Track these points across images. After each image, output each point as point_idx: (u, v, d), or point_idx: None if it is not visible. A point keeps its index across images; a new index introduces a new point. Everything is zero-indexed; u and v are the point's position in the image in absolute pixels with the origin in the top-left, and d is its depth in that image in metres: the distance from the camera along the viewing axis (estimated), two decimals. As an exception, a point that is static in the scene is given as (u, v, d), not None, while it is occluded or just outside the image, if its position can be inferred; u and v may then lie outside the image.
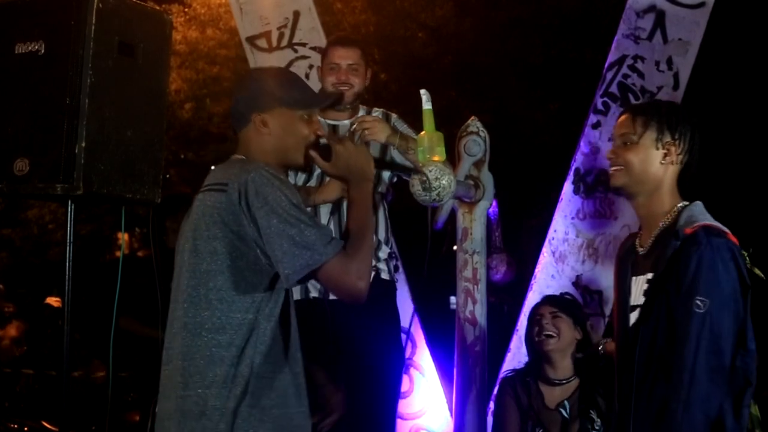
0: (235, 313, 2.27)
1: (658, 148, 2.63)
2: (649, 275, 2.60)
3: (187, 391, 2.28)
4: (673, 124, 2.64)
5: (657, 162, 2.63)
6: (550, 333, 3.82)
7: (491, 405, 4.75)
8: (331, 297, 3.76)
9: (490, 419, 4.36)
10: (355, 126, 3.63)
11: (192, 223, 2.36)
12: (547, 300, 4.04)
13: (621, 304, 2.71)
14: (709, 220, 2.56)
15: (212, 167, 2.56)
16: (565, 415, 3.77)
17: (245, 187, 2.25)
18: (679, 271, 2.48)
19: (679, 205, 2.64)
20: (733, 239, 2.53)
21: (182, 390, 2.29)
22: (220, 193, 2.29)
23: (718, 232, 2.52)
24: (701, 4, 4.94)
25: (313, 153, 2.47)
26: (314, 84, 5.05)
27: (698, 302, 2.42)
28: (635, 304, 2.64)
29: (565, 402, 3.79)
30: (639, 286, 2.64)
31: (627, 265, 2.72)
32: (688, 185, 2.69)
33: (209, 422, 2.24)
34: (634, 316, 2.64)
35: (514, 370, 4.06)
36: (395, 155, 3.89)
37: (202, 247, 2.31)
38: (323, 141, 2.50)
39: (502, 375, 4.14)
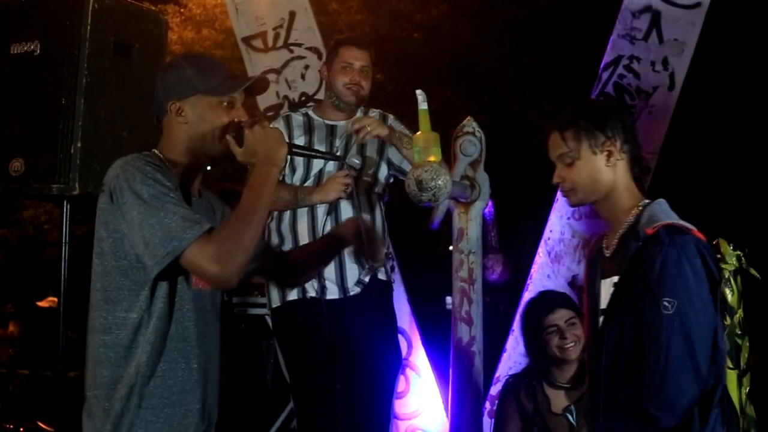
0: (120, 313, 2.25)
1: (596, 153, 2.52)
2: (615, 278, 2.50)
3: (88, 392, 2.29)
4: (600, 123, 2.52)
5: (603, 167, 2.52)
6: (573, 342, 3.71)
7: (487, 405, 4.76)
8: (328, 297, 3.76)
9: (486, 419, 4.36)
10: (355, 127, 3.63)
11: (96, 224, 2.35)
12: (558, 304, 3.85)
13: (591, 307, 2.63)
14: (671, 219, 2.45)
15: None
16: (572, 420, 3.66)
17: (113, 184, 2.24)
18: (643, 272, 2.38)
19: (640, 204, 2.53)
20: (699, 236, 2.43)
21: (87, 390, 2.30)
22: (103, 194, 2.28)
23: (681, 230, 2.40)
24: (697, 5, 4.94)
25: (228, 137, 2.36)
26: (311, 83, 5.07)
27: (666, 303, 2.33)
28: (604, 307, 2.55)
29: (572, 407, 3.68)
30: (607, 289, 2.54)
31: (596, 267, 2.63)
32: (639, 174, 2.59)
33: (98, 423, 2.25)
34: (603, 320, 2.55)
35: (515, 376, 3.96)
36: (392, 155, 3.89)
37: (95, 248, 2.31)
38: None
39: (504, 379, 4.05)
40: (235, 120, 2.37)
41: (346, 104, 3.84)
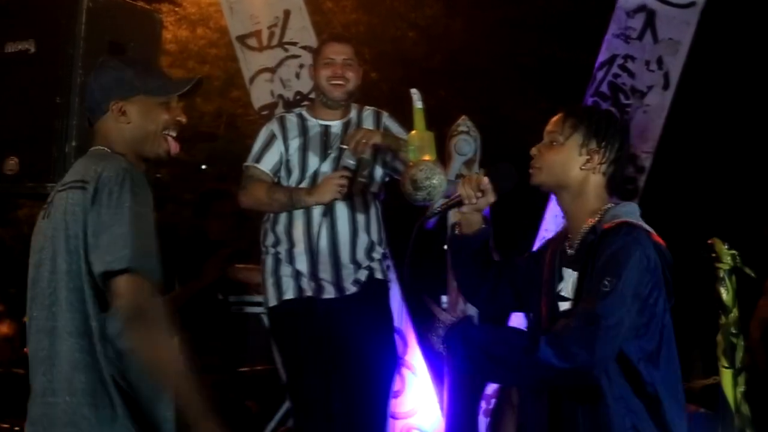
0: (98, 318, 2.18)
1: (581, 154, 2.55)
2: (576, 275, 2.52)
3: (55, 398, 2.19)
4: (601, 132, 2.56)
5: (577, 167, 2.55)
6: None
7: (482, 404, 4.76)
8: (324, 296, 3.76)
9: (481, 418, 4.37)
10: (351, 146, 3.63)
11: (56, 221, 2.26)
12: None
13: (549, 292, 2.60)
14: (633, 219, 2.45)
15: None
16: None
17: (99, 185, 2.20)
18: (593, 261, 2.40)
19: (607, 206, 2.54)
20: (658, 239, 2.43)
21: (51, 396, 2.20)
22: (81, 191, 2.22)
23: (639, 228, 2.42)
24: (692, 4, 4.96)
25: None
26: (306, 82, 5.07)
27: (606, 282, 2.32)
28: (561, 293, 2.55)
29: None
30: (567, 280, 2.54)
31: (557, 256, 2.62)
32: (634, 173, 2.60)
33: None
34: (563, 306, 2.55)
35: None
36: (386, 155, 3.89)
37: (72, 246, 2.21)
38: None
39: None
40: (178, 120, 2.42)
41: (333, 101, 3.83)
